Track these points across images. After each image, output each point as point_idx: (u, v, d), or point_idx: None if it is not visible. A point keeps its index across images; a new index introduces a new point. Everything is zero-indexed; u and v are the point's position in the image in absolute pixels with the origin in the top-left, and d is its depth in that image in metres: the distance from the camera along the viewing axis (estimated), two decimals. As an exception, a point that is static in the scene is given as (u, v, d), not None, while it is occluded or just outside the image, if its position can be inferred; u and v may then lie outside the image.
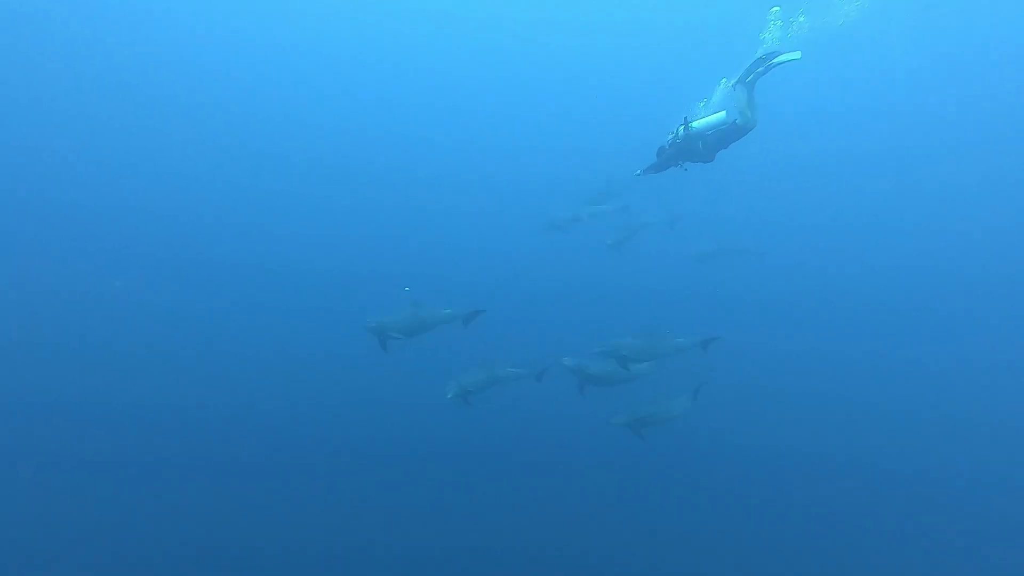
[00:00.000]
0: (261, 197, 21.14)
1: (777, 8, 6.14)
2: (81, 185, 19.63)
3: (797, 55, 6.06)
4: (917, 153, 22.36)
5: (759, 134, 6.43)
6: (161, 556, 9.50)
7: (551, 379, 10.09)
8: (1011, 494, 11.46)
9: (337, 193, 21.76)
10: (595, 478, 11.07)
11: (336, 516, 10.36)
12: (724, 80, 6.45)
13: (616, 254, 15.90)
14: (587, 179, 17.12)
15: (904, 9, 23.63)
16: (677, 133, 6.56)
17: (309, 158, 22.49)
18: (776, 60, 6.16)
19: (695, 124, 6.50)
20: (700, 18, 25.65)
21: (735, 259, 16.38)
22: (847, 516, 10.89)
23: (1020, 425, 13.07)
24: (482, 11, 25.80)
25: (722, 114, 6.47)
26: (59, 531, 9.71)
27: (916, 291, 17.54)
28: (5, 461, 10.86)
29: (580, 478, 11.08)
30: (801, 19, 6.24)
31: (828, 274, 17.60)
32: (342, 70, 25.11)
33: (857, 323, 16.54)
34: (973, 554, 10.33)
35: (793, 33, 6.31)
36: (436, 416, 11.42)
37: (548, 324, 15.32)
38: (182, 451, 11.52)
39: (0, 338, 14.23)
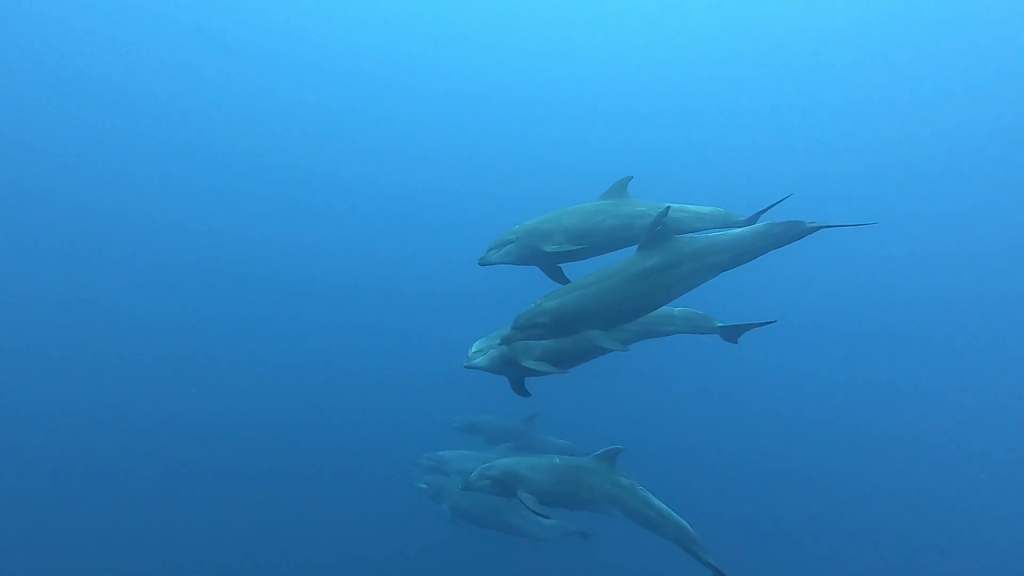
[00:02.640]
0: (261, 201, 21.08)
1: None
2: (80, 187, 19.61)
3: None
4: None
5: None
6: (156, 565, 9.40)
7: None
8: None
9: (337, 197, 21.74)
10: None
11: (335, 526, 10.29)
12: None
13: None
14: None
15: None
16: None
17: (309, 162, 22.46)
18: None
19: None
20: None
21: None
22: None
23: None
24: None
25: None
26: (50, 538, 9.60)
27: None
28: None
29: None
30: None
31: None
32: (345, 74, 25.11)
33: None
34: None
35: None
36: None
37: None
38: (180, 459, 11.35)
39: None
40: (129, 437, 11.77)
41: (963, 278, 18.35)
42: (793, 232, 4.72)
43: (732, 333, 5.44)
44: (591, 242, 5.08)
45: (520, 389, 5.03)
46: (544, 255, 5.03)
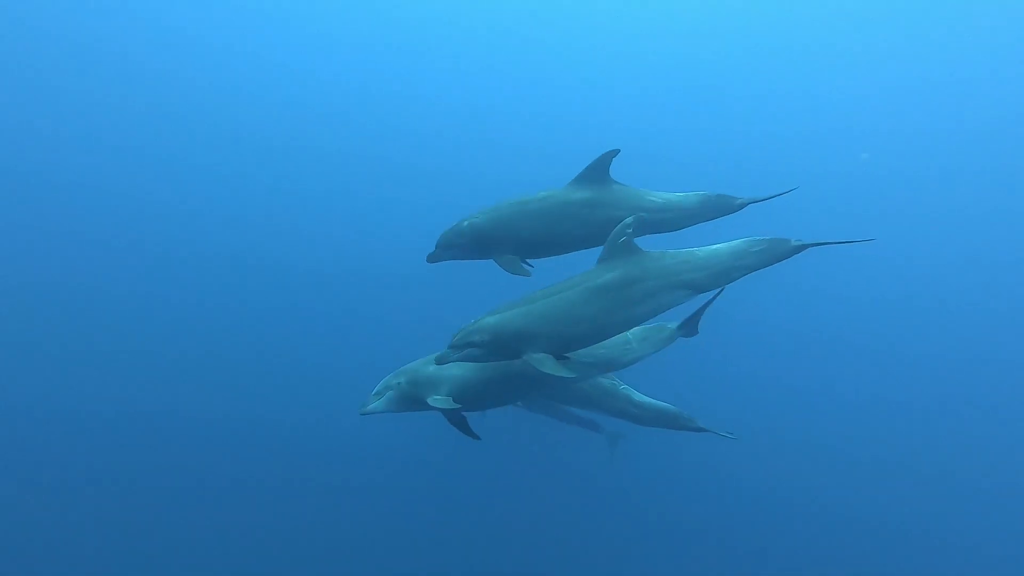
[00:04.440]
0: (266, 193, 21.10)
1: None
2: (87, 178, 19.62)
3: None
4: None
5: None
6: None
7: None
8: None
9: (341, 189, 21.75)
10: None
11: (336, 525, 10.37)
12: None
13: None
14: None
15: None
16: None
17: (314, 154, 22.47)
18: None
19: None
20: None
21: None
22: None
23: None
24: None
25: None
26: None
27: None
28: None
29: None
30: None
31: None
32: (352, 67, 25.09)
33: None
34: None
35: None
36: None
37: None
38: (182, 456, 11.42)
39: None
40: (129, 434, 11.72)
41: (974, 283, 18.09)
42: (777, 251, 4.33)
43: (690, 326, 4.95)
44: (550, 253, 4.53)
45: (464, 428, 4.28)
46: (494, 259, 4.46)
